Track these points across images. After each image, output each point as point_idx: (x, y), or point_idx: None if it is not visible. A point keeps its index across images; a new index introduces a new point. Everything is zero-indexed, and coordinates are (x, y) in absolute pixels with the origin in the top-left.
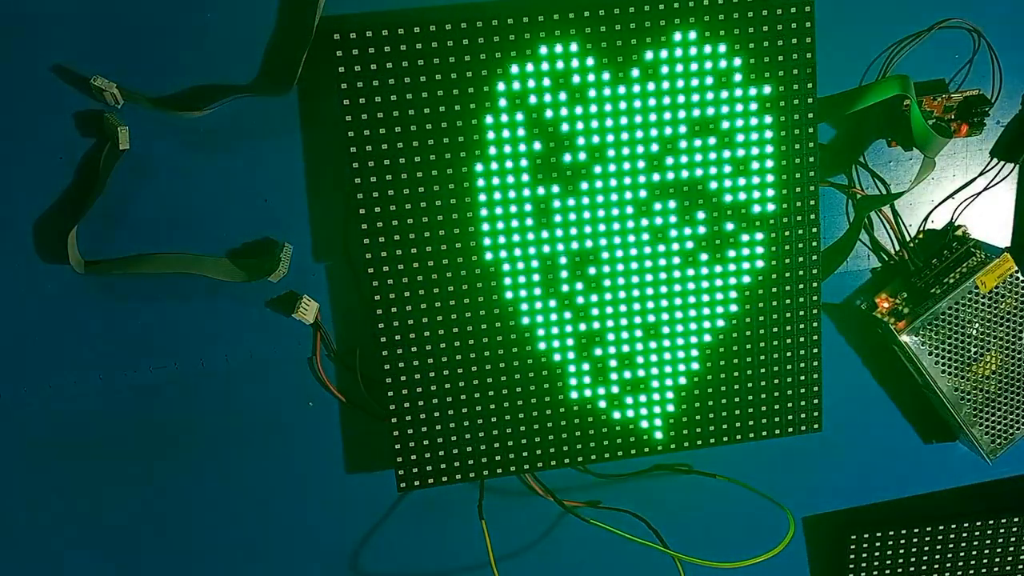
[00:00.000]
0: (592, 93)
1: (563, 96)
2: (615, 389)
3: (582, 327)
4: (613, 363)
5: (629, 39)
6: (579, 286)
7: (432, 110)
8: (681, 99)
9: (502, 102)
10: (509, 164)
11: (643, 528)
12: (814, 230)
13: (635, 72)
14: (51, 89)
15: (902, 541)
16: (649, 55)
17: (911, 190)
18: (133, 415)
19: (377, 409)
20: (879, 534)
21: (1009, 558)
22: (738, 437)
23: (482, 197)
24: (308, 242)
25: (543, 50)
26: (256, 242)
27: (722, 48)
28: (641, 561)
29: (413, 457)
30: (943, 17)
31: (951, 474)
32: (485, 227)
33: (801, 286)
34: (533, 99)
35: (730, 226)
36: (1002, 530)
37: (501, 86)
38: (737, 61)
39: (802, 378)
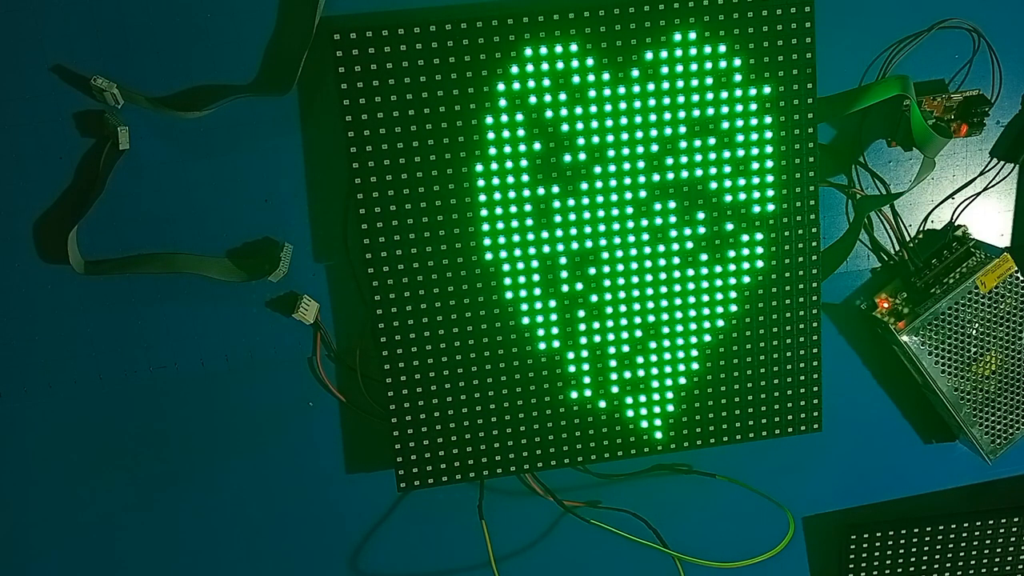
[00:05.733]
0: (592, 93)
1: (563, 96)
2: (615, 389)
3: (582, 327)
4: (613, 363)
5: (629, 39)
6: (579, 286)
7: (432, 110)
8: (681, 99)
9: (502, 102)
10: (509, 164)
11: (643, 528)
12: (814, 230)
13: (635, 72)
14: (51, 89)
15: (902, 541)
16: (649, 55)
17: (911, 190)
18: (133, 415)
19: (377, 409)
20: (879, 534)
21: (1009, 558)
22: (738, 437)
23: (482, 197)
24: (308, 242)
25: (543, 50)
26: (256, 242)
27: (722, 48)
28: (641, 561)
29: (413, 457)
30: (943, 17)
31: (951, 474)
32: (485, 227)
33: (801, 286)
34: (533, 99)
35: (730, 226)
36: (1002, 530)
37: (501, 86)
38: (737, 61)
39: (802, 378)
